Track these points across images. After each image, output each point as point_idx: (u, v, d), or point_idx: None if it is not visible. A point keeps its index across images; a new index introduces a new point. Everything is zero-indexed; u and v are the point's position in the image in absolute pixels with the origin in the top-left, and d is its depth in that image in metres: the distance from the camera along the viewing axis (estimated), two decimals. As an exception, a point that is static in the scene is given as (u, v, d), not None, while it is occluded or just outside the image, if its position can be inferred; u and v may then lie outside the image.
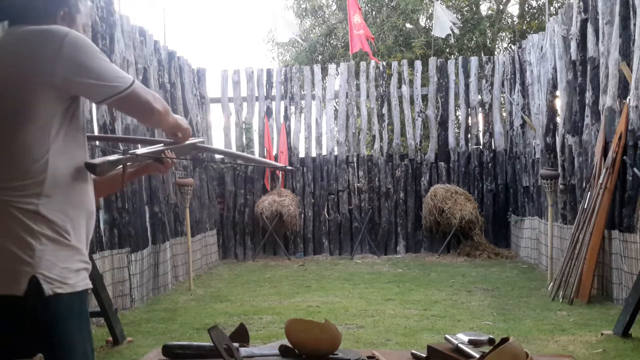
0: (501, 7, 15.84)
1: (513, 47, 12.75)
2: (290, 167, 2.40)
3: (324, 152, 10.56)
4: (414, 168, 10.32)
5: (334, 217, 10.33)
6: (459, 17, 13.76)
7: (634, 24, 5.60)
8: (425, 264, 9.05)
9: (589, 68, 6.59)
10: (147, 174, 2.00)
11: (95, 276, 4.62)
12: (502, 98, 10.45)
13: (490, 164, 10.21)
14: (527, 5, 15.90)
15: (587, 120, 6.63)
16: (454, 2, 15.05)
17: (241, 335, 2.06)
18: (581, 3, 6.79)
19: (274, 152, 10.28)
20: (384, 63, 11.15)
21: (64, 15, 1.71)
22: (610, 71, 6.05)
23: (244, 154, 2.85)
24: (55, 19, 1.69)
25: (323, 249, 10.29)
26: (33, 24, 1.62)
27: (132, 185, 6.36)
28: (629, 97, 5.63)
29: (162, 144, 1.94)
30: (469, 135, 10.40)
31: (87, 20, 1.83)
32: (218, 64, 38.57)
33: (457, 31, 11.95)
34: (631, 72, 5.56)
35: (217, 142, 10.78)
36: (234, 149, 10.54)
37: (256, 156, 10.25)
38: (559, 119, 7.71)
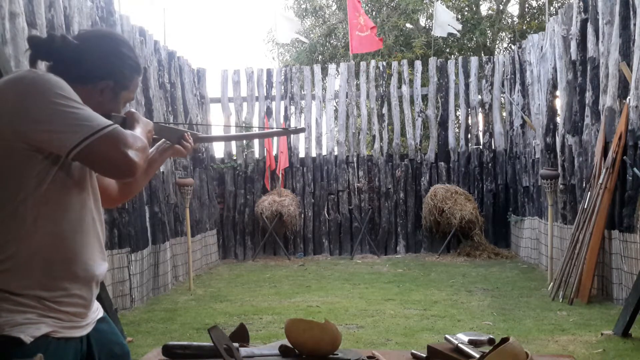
0: (501, 7, 15.84)
1: (513, 47, 12.75)
2: (294, 129, 2.30)
3: (324, 152, 10.55)
4: (414, 168, 10.32)
5: (334, 217, 10.32)
6: (459, 18, 13.76)
7: (634, 24, 5.60)
8: (425, 264, 9.05)
9: (589, 68, 6.59)
10: (172, 157, 1.90)
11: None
12: (502, 98, 10.45)
13: (490, 164, 10.20)
14: (527, 5, 15.90)
15: (587, 120, 6.63)
16: (454, 2, 15.04)
17: (241, 335, 2.06)
18: (581, 3, 6.79)
19: (274, 152, 10.27)
20: (384, 63, 11.15)
21: (105, 88, 1.60)
22: (610, 71, 6.04)
23: (247, 132, 2.85)
24: (95, 86, 1.59)
25: (323, 249, 10.29)
26: (71, 81, 1.50)
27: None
28: (629, 97, 5.63)
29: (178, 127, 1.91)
30: (469, 135, 10.40)
31: (133, 95, 1.72)
32: (218, 64, 38.61)
33: (459, 27, 11.88)
34: (631, 72, 5.55)
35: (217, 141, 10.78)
36: (234, 149, 10.57)
37: (257, 152, 10.34)
38: (559, 119, 7.71)
